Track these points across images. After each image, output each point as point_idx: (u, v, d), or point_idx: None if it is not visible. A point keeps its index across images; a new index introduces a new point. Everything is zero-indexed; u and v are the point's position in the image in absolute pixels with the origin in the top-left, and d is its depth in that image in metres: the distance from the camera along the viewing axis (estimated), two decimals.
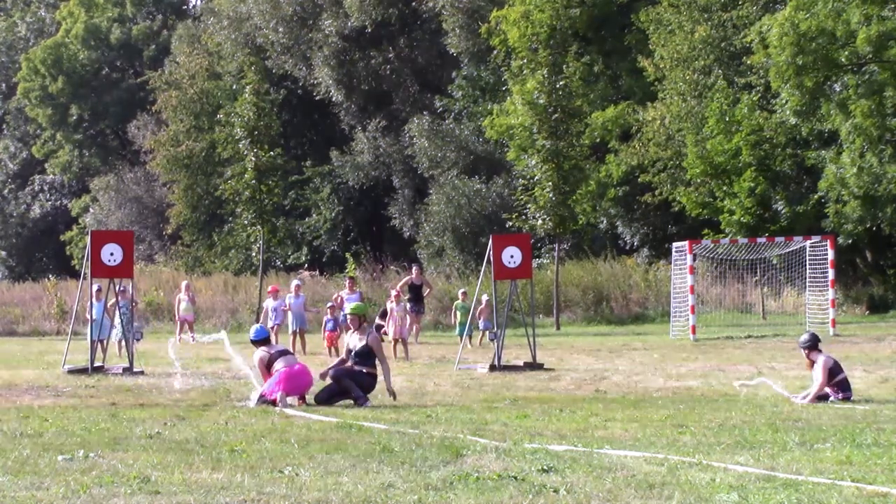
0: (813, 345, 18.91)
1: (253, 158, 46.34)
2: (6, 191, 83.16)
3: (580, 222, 45.79)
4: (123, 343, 28.68)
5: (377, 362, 18.66)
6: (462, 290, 36.52)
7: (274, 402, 17.80)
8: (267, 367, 18.74)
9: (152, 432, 14.48)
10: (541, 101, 43.33)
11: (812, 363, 18.78)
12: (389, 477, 10.99)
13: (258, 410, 17.31)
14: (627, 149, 48.59)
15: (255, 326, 20.13)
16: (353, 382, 18.40)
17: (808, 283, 37.67)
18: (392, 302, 31.95)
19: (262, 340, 19.21)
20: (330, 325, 31.15)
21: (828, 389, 18.43)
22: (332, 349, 30.55)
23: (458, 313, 34.78)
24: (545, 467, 11.39)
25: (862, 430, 14.40)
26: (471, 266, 51.10)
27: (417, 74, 62.96)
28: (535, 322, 29.06)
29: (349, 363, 18.70)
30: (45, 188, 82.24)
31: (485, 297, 32.76)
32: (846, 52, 40.55)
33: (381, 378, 18.61)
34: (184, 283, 38.94)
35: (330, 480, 10.86)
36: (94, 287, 28.55)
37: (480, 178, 55.65)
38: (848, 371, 19.51)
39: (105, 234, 28.73)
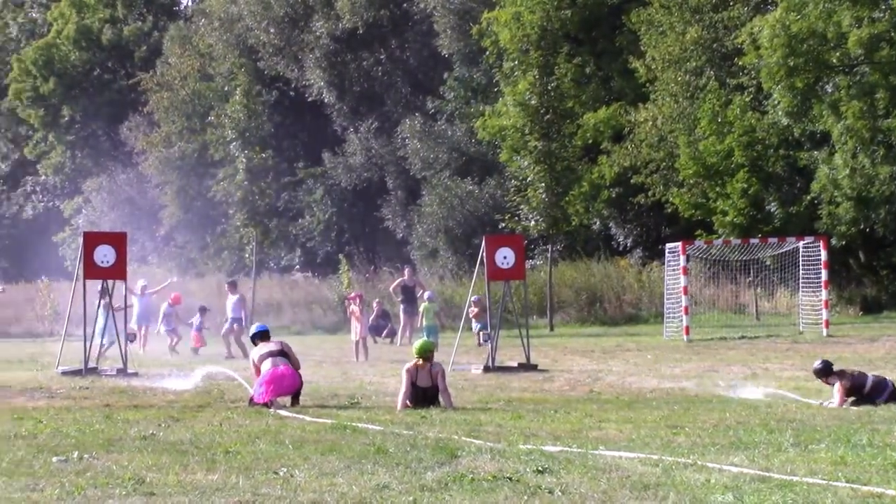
0: (825, 372, 18.08)
1: (244, 160, 46.27)
2: None
3: (573, 223, 45.75)
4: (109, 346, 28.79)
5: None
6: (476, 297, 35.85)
7: (266, 405, 17.70)
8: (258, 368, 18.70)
9: (147, 433, 14.47)
10: (532, 103, 43.32)
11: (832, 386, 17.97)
12: (384, 478, 10.98)
13: (252, 412, 17.30)
14: (620, 150, 48.52)
15: (257, 324, 20.04)
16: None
17: (801, 284, 37.68)
18: (353, 303, 31.81)
19: (257, 335, 19.11)
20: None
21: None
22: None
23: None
24: (540, 468, 11.38)
25: (856, 430, 14.40)
26: (464, 267, 51.06)
27: (409, 76, 62.95)
28: (528, 323, 29.00)
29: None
30: (38, 189, 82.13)
31: (475, 298, 32.71)
32: (837, 54, 40.60)
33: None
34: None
35: (325, 482, 10.85)
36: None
37: (473, 179, 55.60)
38: None
39: (98, 235, 28.67)
